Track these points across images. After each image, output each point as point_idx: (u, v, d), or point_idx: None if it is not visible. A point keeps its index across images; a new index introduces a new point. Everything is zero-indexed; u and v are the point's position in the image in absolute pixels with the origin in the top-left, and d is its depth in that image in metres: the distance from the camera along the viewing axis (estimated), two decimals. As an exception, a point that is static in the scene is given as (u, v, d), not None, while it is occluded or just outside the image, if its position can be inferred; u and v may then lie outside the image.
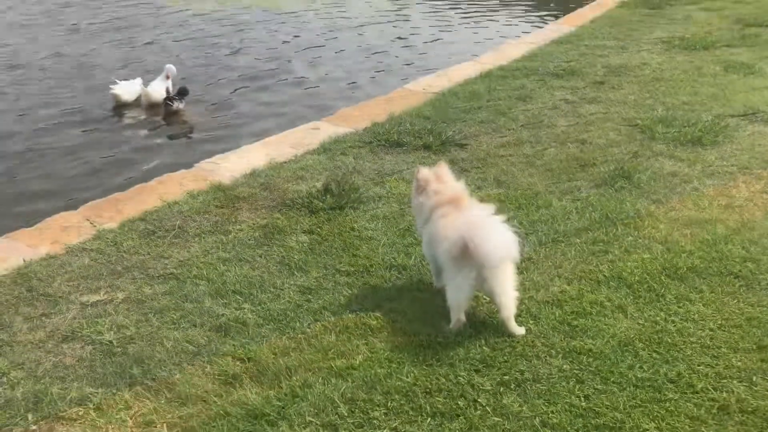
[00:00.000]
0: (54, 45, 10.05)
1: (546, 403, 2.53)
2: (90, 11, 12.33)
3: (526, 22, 11.65)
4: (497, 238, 2.76)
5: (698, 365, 2.69)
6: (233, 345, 2.88)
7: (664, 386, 2.59)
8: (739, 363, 2.70)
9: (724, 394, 2.54)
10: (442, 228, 2.94)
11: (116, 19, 11.73)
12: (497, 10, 12.67)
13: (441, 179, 3.11)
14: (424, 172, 3.15)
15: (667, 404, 2.51)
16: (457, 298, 2.89)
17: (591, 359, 2.74)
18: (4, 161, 6.17)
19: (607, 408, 2.50)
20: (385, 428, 2.44)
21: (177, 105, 7.49)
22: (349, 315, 3.06)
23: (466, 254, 2.75)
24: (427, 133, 5.14)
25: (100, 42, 10.37)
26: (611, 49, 7.53)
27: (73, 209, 4.22)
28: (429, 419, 2.47)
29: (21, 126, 7.02)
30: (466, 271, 2.79)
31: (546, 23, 10.37)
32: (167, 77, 7.81)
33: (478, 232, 2.74)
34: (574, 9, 10.39)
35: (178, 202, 4.19)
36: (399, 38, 10.98)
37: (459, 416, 2.48)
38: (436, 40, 10.69)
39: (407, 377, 2.66)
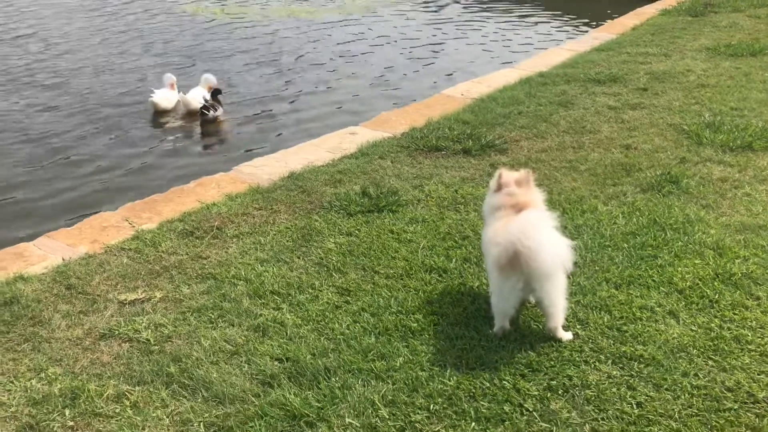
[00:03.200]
0: (90, 55, 10.22)
1: (596, 410, 2.42)
2: (123, 22, 12.55)
3: (559, 31, 11.56)
4: (550, 246, 2.62)
5: (758, 374, 2.56)
6: (271, 345, 2.83)
7: (722, 395, 2.46)
8: (802, 372, 2.56)
9: (787, 405, 2.40)
10: (492, 232, 2.81)
11: (151, 29, 11.92)
12: (530, 17, 12.61)
13: (520, 184, 2.93)
14: (505, 173, 2.97)
15: (726, 414, 2.38)
16: (503, 307, 2.78)
17: (642, 365, 2.62)
18: (46, 164, 6.26)
19: (661, 416, 2.38)
20: (427, 432, 2.35)
21: (213, 113, 7.53)
22: (389, 317, 2.98)
23: (515, 262, 2.60)
24: (467, 138, 5.06)
25: (138, 50, 10.53)
26: (654, 56, 7.37)
27: (112, 211, 4.23)
28: (473, 423, 2.38)
29: (62, 131, 7.13)
30: (514, 280, 2.66)
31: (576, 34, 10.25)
32: (209, 89, 7.85)
33: (530, 238, 2.58)
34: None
35: (217, 203, 4.17)
36: (437, 46, 10.95)
37: (504, 421, 2.38)
38: (471, 45, 10.64)
39: (450, 380, 2.57)
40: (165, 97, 7.89)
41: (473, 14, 13.66)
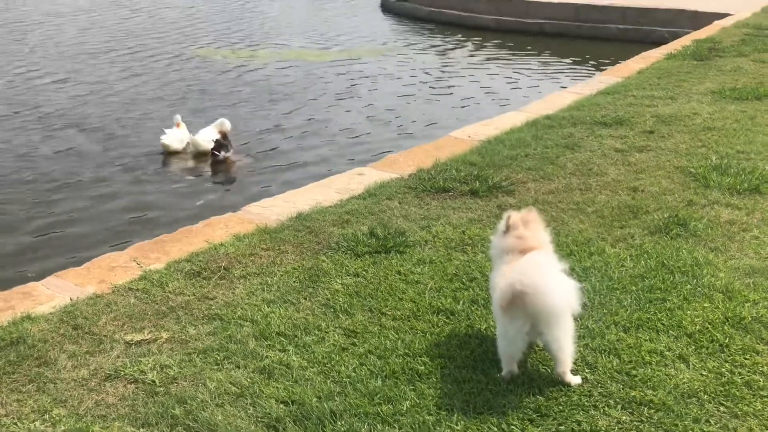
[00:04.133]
0: (104, 97, 10.39)
1: (606, 457, 2.38)
2: (136, 65, 12.77)
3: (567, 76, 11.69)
4: (556, 287, 2.61)
5: (770, 420, 2.51)
6: (277, 387, 2.80)
7: (735, 442, 2.42)
8: (816, 419, 2.51)
9: (801, 453, 2.36)
10: (500, 275, 2.79)
11: (163, 71, 12.11)
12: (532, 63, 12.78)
13: (528, 225, 2.91)
14: (514, 215, 2.94)
15: (739, 461, 2.33)
16: (510, 351, 2.75)
17: (652, 411, 2.58)
18: (56, 202, 6.32)
19: (673, 463, 2.33)
20: (434, 478, 2.31)
21: (224, 154, 7.61)
22: (396, 359, 2.96)
23: (520, 303, 2.58)
24: (474, 179, 5.08)
25: (150, 92, 10.69)
26: (660, 99, 7.43)
27: (120, 250, 4.25)
28: (481, 470, 2.34)
29: (72, 170, 7.21)
30: (520, 322, 2.64)
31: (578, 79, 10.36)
32: (221, 132, 7.91)
33: (536, 279, 2.57)
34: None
35: (224, 244, 4.18)
36: (447, 88, 11.07)
37: (513, 467, 2.34)
38: (478, 89, 10.76)
39: (457, 425, 2.53)
40: (176, 138, 8.00)
41: (479, 59, 13.86)
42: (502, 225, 2.98)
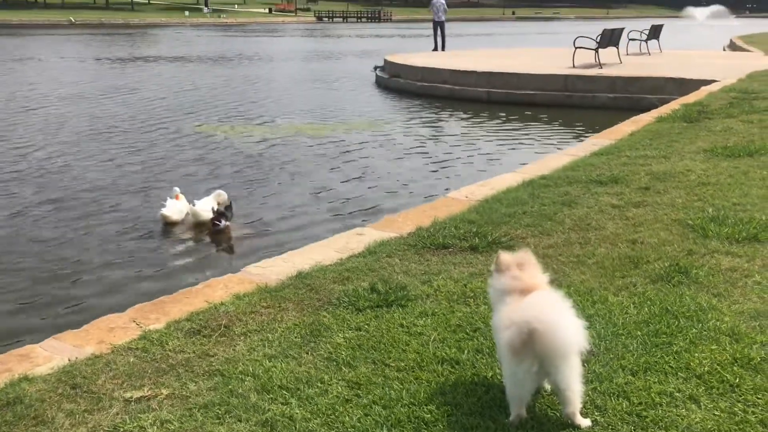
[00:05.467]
0: (104, 170, 10.53)
1: (621, 498, 2.30)
2: (132, 139, 13.00)
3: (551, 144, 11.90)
4: (567, 324, 2.57)
5: (788, 457, 2.45)
6: (280, 439, 2.73)
7: (753, 480, 2.34)
8: (834, 455, 2.44)
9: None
10: (504, 316, 2.75)
11: (160, 144, 12.32)
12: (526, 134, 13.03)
13: (522, 267, 2.88)
14: (505, 256, 2.93)
15: (759, 498, 2.25)
16: (519, 393, 2.70)
17: (667, 451, 2.51)
18: (53, 267, 6.31)
19: (691, 503, 2.25)
20: None
21: (224, 223, 7.65)
22: (401, 409, 2.90)
23: (529, 343, 2.54)
24: (473, 236, 5.09)
25: (143, 165, 10.84)
26: (653, 158, 7.54)
27: (120, 312, 4.21)
28: None
29: (68, 240, 7.24)
30: (528, 363, 2.59)
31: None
32: (218, 203, 8.02)
33: (551, 317, 2.54)
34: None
35: (224, 303, 4.15)
36: (439, 156, 11.24)
37: None
38: (473, 155, 10.92)
39: (466, 471, 2.46)
40: (176, 209, 8.05)
41: (472, 128, 14.11)
42: (493, 266, 2.97)
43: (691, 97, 12.40)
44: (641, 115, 10.74)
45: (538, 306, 2.59)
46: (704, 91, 13.27)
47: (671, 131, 9.20)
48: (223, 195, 8.36)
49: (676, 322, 3.54)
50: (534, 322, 2.51)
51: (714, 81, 14.74)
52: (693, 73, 16.25)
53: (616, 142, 8.70)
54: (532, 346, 2.53)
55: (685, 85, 14.88)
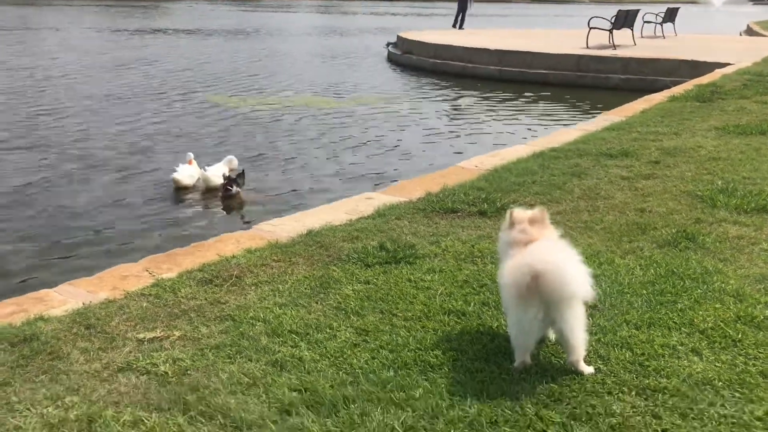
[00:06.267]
0: (118, 137, 10.61)
1: (621, 436, 2.36)
2: (148, 109, 13.06)
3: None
4: (575, 269, 2.61)
5: (787, 405, 2.50)
6: (289, 377, 2.80)
7: (752, 423, 2.40)
8: (832, 405, 2.49)
9: (819, 433, 2.34)
10: (509, 265, 2.78)
11: (175, 113, 12.38)
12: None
13: (534, 223, 2.91)
14: (518, 211, 2.95)
15: (756, 439, 2.31)
16: (524, 341, 2.75)
17: (667, 396, 2.56)
18: (64, 221, 6.42)
19: (689, 442, 2.31)
20: (448, 456, 2.29)
21: (236, 188, 7.71)
22: (408, 353, 2.96)
23: (534, 288, 2.58)
24: (482, 201, 5.13)
25: (161, 132, 10.91)
26: (664, 135, 7.54)
27: (132, 262, 4.29)
28: (495, 448, 2.32)
29: (85, 202, 7.32)
30: (534, 310, 2.63)
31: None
32: (230, 169, 8.11)
33: (555, 259, 2.59)
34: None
35: (236, 256, 4.22)
36: (450, 131, 11.26)
37: (527, 446, 2.32)
38: (484, 130, 10.93)
39: (471, 408, 2.52)
40: (187, 174, 8.11)
41: (484, 105, 14.08)
42: (505, 221, 3.01)
43: (705, 79, 12.34)
44: (654, 94, 10.71)
45: (544, 250, 2.64)
46: (718, 73, 13.19)
47: (683, 110, 9.17)
48: (234, 161, 8.44)
49: (682, 283, 3.59)
50: (538, 264, 2.55)
51: (729, 64, 14.63)
52: (708, 56, 16.12)
53: (627, 118, 8.69)
54: (536, 290, 2.58)
55: (700, 68, 14.77)
